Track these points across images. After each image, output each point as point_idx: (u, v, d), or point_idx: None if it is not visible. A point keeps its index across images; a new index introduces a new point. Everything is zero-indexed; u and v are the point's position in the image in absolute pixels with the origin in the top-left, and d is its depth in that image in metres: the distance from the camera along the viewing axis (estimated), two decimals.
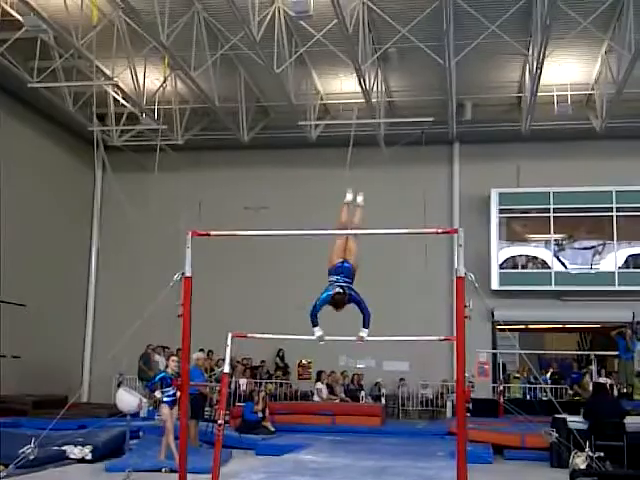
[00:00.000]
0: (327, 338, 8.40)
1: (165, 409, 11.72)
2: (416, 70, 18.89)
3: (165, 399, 11.76)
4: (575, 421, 12.26)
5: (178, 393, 11.97)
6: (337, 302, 7.94)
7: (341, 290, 7.92)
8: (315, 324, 8.17)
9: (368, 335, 8.35)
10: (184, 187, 22.65)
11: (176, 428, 10.59)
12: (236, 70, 18.94)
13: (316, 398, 19.28)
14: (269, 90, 19.78)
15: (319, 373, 19.97)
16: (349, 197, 8.36)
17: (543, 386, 19.89)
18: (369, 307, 8.23)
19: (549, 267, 21.45)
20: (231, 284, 22.20)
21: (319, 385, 19.53)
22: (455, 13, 15.31)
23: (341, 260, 8.21)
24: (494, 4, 15.45)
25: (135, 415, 13.33)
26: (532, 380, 20.48)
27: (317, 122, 20.75)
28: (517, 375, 21.25)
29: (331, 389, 19.67)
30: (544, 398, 18.96)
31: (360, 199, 8.31)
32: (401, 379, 21.12)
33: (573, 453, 10.57)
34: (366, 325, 8.20)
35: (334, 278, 8.09)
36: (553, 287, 21.13)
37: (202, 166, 23.22)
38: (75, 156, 22.74)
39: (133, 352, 18.32)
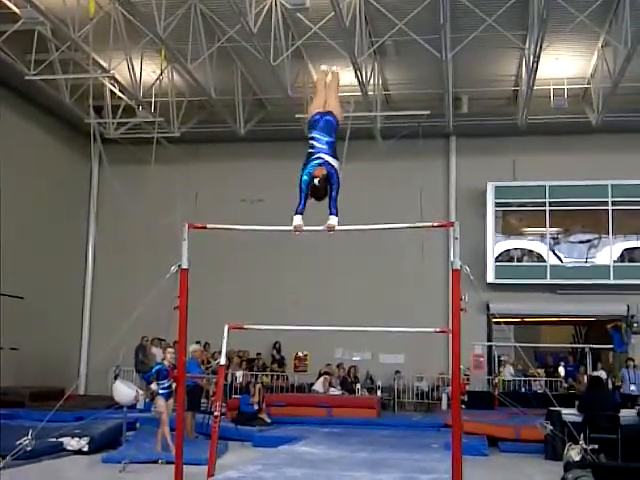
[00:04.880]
0: (321, 328, 8.31)
1: (160, 401, 11.78)
2: (413, 63, 18.89)
3: (160, 391, 11.82)
4: (570, 414, 12.33)
5: (174, 385, 12.07)
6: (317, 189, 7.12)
7: (321, 172, 7.07)
8: (299, 211, 7.19)
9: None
10: (180, 179, 22.62)
11: (172, 420, 10.64)
12: (233, 63, 18.93)
13: (320, 389, 19.35)
14: (266, 83, 19.76)
15: (325, 373, 20.06)
16: (324, 67, 8.00)
17: (537, 379, 19.96)
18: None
19: (545, 260, 21.50)
20: (228, 276, 22.23)
21: (327, 376, 19.69)
22: (452, 6, 15.31)
23: (319, 112, 7.42)
24: None
25: (132, 407, 13.37)
26: (527, 373, 20.53)
27: None
28: (505, 359, 21.30)
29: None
30: (539, 391, 19.04)
31: (335, 67, 7.90)
32: (397, 372, 21.18)
33: (567, 445, 10.61)
34: (333, 210, 7.18)
35: (312, 136, 7.30)
36: (548, 280, 21.19)
37: (199, 159, 23.22)
38: (72, 149, 22.73)
39: (130, 344, 18.33)
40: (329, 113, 7.41)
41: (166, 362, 12.17)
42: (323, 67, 8.03)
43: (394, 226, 8.22)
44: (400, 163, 21.79)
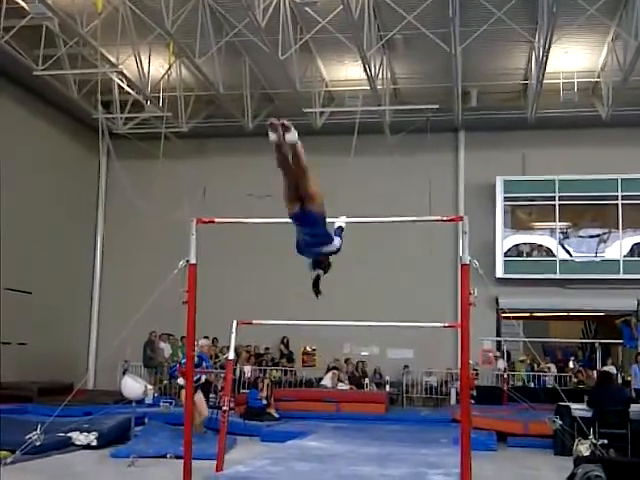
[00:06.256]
0: (330, 323, 8.24)
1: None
2: (421, 57, 18.82)
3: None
4: (579, 409, 12.29)
5: (202, 378, 12.29)
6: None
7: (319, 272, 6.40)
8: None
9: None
10: (188, 174, 22.66)
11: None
12: (241, 57, 18.90)
13: (329, 384, 19.36)
14: (274, 77, 19.71)
15: (334, 368, 20.10)
16: (273, 137, 5.56)
17: (546, 374, 19.91)
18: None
19: (554, 255, 21.41)
20: (235, 271, 22.23)
21: (335, 371, 19.73)
22: None
23: (296, 211, 6.04)
24: None
25: (140, 402, 13.40)
26: (535, 368, 20.47)
27: (322, 109, 20.69)
28: (522, 358, 21.14)
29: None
30: (548, 386, 18.99)
31: (291, 135, 5.57)
32: (405, 366, 21.14)
33: (577, 440, 10.60)
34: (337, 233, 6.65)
35: (298, 230, 6.29)
36: (558, 275, 21.11)
37: (207, 153, 23.24)
38: (80, 143, 22.76)
39: (138, 339, 18.41)
40: (307, 210, 6.02)
41: None
42: (272, 136, 5.56)
43: (403, 219, 8.21)
44: (409, 157, 21.71)
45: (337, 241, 6.37)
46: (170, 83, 19.62)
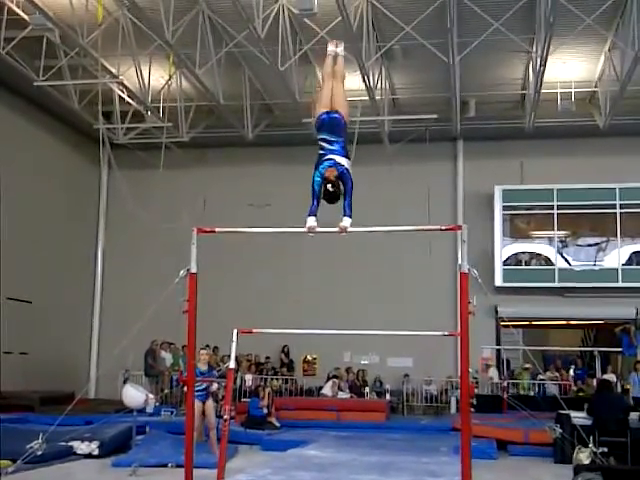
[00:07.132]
0: (330, 332, 8.27)
1: (198, 403, 11.83)
2: (420, 67, 18.92)
3: (196, 394, 11.88)
4: (579, 417, 12.32)
5: (214, 386, 12.33)
6: (329, 182, 7.10)
7: (332, 173, 7.09)
8: (312, 213, 7.22)
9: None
10: (189, 184, 22.75)
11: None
12: (240, 68, 18.99)
13: (329, 392, 19.39)
14: (273, 88, 19.81)
15: (334, 376, 20.13)
16: (332, 48, 7.78)
17: (546, 382, 19.92)
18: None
19: (553, 264, 21.49)
20: (236, 280, 22.29)
21: (336, 380, 19.77)
22: (459, 10, 15.32)
23: (326, 111, 7.34)
24: (498, 1, 15.47)
25: (141, 411, 13.42)
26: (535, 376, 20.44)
27: None
28: (527, 366, 21.08)
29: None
30: (549, 394, 18.97)
31: (340, 49, 7.78)
32: (405, 375, 21.18)
33: (577, 449, 10.64)
34: (347, 212, 7.24)
35: (321, 137, 7.27)
36: (557, 284, 21.17)
37: (207, 163, 23.33)
38: (81, 154, 22.85)
39: (139, 348, 18.43)
40: (335, 112, 7.29)
41: (200, 365, 12.21)
42: (330, 48, 7.78)
43: (402, 228, 8.28)
44: (408, 167, 21.81)
45: (348, 164, 7.25)
46: (170, 93, 19.72)
